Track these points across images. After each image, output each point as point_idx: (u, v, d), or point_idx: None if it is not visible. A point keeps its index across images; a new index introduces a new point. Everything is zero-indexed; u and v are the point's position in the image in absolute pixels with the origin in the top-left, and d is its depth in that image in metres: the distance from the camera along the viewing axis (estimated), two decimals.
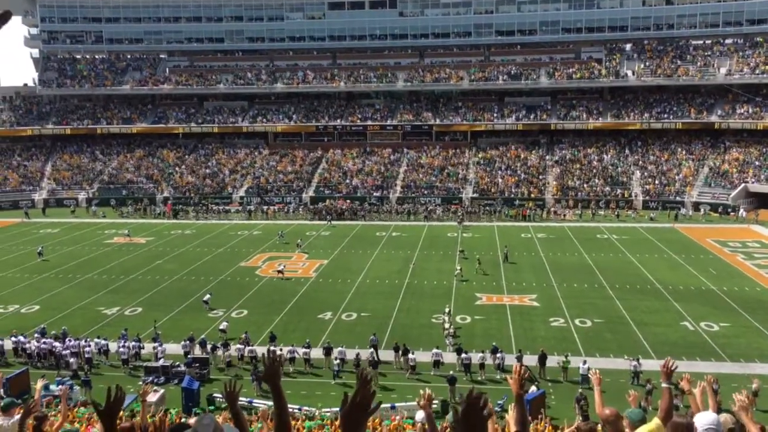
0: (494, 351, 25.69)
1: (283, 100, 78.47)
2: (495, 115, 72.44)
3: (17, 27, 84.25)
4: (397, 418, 19.81)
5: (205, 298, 33.44)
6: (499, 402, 22.40)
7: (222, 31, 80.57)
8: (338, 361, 25.54)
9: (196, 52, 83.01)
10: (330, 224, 54.93)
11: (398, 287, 36.61)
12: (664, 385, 5.56)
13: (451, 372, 24.54)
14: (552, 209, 58.95)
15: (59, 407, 20.78)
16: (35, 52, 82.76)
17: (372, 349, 26.36)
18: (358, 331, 29.43)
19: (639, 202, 60.64)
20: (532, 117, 71.50)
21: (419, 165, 68.71)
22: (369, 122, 74.05)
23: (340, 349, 26.23)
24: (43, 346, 26.89)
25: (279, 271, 39.00)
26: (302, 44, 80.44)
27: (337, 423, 19.62)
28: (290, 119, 75.56)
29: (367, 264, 41.81)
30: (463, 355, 25.43)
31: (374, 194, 64.14)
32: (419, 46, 78.95)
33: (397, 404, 22.22)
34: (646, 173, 64.48)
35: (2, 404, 8.68)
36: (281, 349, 26.20)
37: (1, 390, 22.87)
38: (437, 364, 25.40)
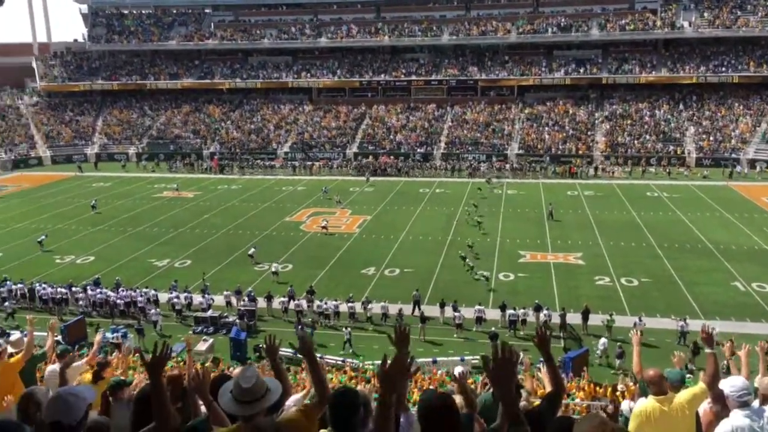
0: (537, 308, 25.61)
1: (327, 54, 77.92)
2: (543, 69, 70.56)
3: None
4: (439, 372, 20.05)
5: (250, 252, 34.10)
6: (541, 359, 22.43)
7: None
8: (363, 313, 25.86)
9: (240, 7, 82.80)
10: (368, 182, 54.72)
11: (441, 244, 36.59)
12: (707, 350, 5.44)
13: (494, 328, 24.62)
14: (600, 166, 57.62)
15: (114, 354, 21.69)
16: (84, 7, 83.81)
17: (414, 305, 26.64)
18: (401, 286, 29.65)
19: (692, 160, 58.71)
20: (581, 71, 69.39)
21: (464, 121, 67.76)
22: (413, 77, 73.08)
23: (382, 303, 26.57)
24: (99, 296, 27.94)
25: (323, 227, 39.38)
26: None
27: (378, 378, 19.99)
28: (334, 74, 75.13)
29: (410, 220, 41.83)
30: (510, 311, 25.45)
31: (418, 150, 63.71)
32: None
33: (438, 358, 22.48)
34: (700, 129, 62.23)
35: (58, 350, 9.08)
36: (325, 303, 26.69)
37: (60, 336, 24.02)
38: (480, 320, 25.51)
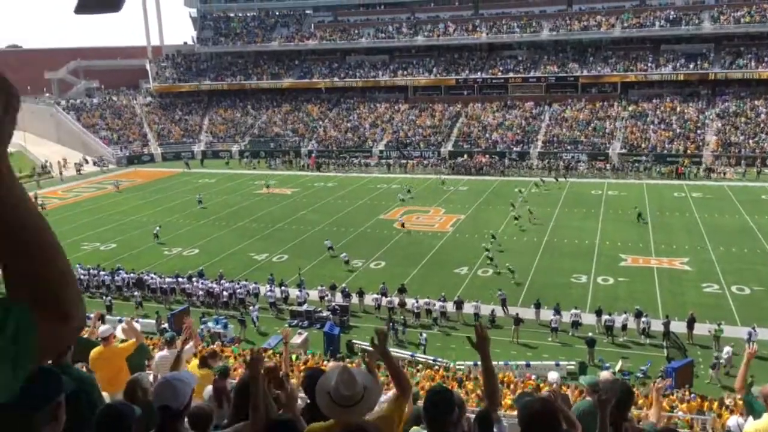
0: (638, 315, 24.54)
1: (423, 53, 77.97)
2: (649, 64, 67.41)
3: None
4: (532, 376, 19.61)
5: (329, 245, 35.18)
6: (642, 368, 21.53)
7: None
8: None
9: (339, 7, 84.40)
10: (443, 183, 52.75)
11: (536, 245, 35.77)
12: None
13: (590, 333, 23.82)
14: (710, 167, 54.38)
15: (216, 344, 22.67)
16: (193, 11, 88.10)
17: (502, 305, 26.27)
18: (495, 287, 29.21)
19: None
20: (691, 66, 65.75)
21: (563, 119, 65.88)
22: (510, 74, 71.80)
23: (474, 303, 26.32)
24: (201, 286, 29.30)
25: (401, 224, 39.71)
26: None
27: (473, 376, 19.78)
28: (430, 72, 75.08)
29: (505, 220, 41.16)
30: (605, 317, 24.54)
31: (514, 149, 62.57)
32: None
33: (532, 362, 22.00)
34: None
35: (167, 337, 9.58)
36: (417, 301, 26.73)
37: (166, 324, 25.38)
38: (576, 324, 24.73)
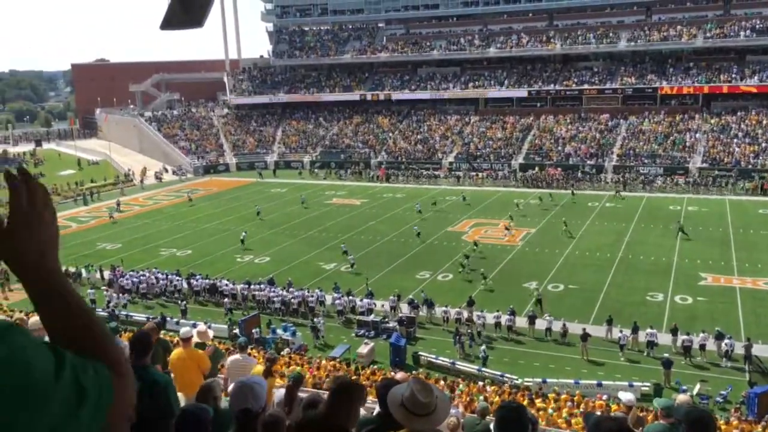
0: (718, 336, 23.39)
1: (495, 64, 77.39)
2: (733, 75, 64.56)
3: (256, 4, 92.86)
4: (604, 396, 19.00)
5: (344, 248, 36.76)
6: (722, 392, 20.52)
7: None
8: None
9: (411, 20, 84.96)
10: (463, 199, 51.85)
11: (610, 261, 34.73)
12: None
13: (666, 354, 22.87)
14: None
15: (285, 350, 23.04)
16: (270, 26, 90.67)
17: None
18: (566, 303, 28.56)
19: None
20: None
21: (640, 131, 63.86)
22: (585, 86, 70.25)
23: (547, 317, 25.80)
24: (270, 294, 29.90)
25: (473, 241, 39.19)
26: (517, 6, 78.34)
27: (542, 393, 19.33)
28: (501, 84, 74.42)
29: (577, 234, 40.19)
30: (684, 337, 23.52)
31: (588, 162, 61.09)
32: (646, 2, 72.70)
33: (604, 382, 21.31)
34: None
35: (239, 343, 9.83)
36: (484, 314, 26.41)
37: (237, 330, 26.01)
38: (651, 344, 23.81)
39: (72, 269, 34.19)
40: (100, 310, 28.96)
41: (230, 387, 4.69)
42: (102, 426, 1.06)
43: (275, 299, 29.49)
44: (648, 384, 21.09)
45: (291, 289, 30.03)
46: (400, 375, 8.99)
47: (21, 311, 25.09)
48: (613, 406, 16.29)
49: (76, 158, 78.45)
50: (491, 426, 7.27)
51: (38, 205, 1.14)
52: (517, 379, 21.50)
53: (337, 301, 28.47)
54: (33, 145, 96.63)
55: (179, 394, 5.71)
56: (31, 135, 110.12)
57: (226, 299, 29.85)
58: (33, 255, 1.12)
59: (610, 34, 71.22)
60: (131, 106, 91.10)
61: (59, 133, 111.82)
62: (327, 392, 4.02)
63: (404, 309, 28.05)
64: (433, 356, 23.96)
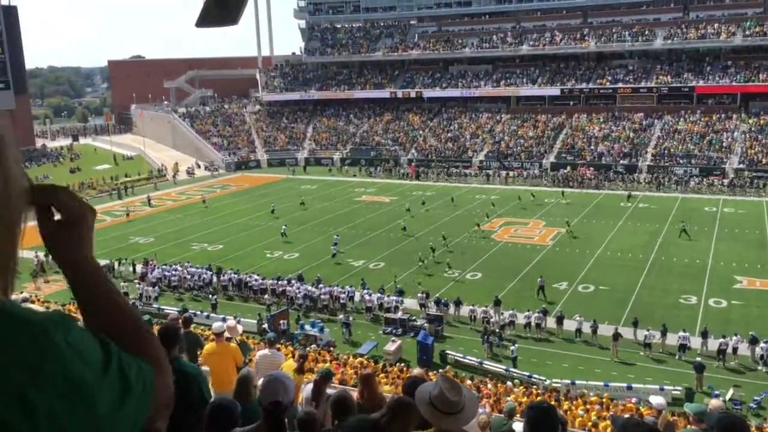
0: (753, 341, 22.91)
1: (528, 62, 76.69)
2: None
3: (289, 1, 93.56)
4: (634, 399, 18.75)
5: (336, 240, 37.77)
6: (756, 398, 20.10)
7: None
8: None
9: (444, 17, 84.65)
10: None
11: (642, 262, 34.21)
12: None
13: (699, 358, 22.46)
14: None
15: (312, 346, 23.20)
16: (302, 23, 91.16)
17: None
18: (596, 304, 28.22)
19: None
20: None
21: (675, 131, 62.71)
22: (620, 84, 69.20)
23: (577, 318, 25.55)
24: (301, 290, 30.09)
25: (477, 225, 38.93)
26: (551, 3, 77.53)
27: (572, 395, 19.15)
28: (534, 83, 73.73)
29: (608, 235, 39.66)
30: (720, 340, 23.09)
31: (621, 162, 60.20)
32: None
33: (634, 385, 21.03)
34: None
35: (268, 338, 9.93)
36: (502, 313, 26.27)
37: (266, 325, 26.25)
38: (683, 348, 23.41)
39: (104, 262, 34.89)
40: (132, 302, 29.51)
41: (259, 381, 4.76)
42: (144, 421, 1.07)
43: (299, 295, 29.67)
44: (679, 388, 20.75)
45: (320, 286, 30.19)
46: (417, 371, 8.99)
47: (56, 303, 25.71)
48: (644, 410, 16.06)
49: (112, 153, 79.94)
50: (519, 426, 7.22)
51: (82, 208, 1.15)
52: (545, 380, 21.32)
53: (367, 298, 28.55)
54: (70, 139, 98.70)
55: (212, 388, 5.79)
56: (69, 130, 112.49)
57: (266, 295, 30.04)
58: (82, 250, 1.13)
59: (646, 32, 70.02)
60: (165, 102, 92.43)
61: (95, 128, 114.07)
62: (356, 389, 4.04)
63: (432, 307, 28.01)
64: (461, 355, 23.89)
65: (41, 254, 36.49)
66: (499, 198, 51.12)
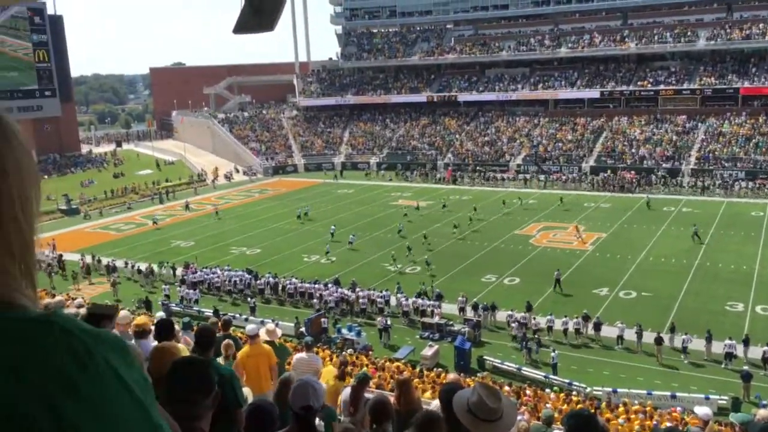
0: None
1: (566, 65, 75.76)
2: None
3: (326, 7, 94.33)
4: (678, 409, 18.29)
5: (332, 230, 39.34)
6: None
7: None
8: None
9: (480, 20, 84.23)
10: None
11: (686, 268, 33.39)
12: None
13: (746, 367, 21.79)
14: None
15: (349, 350, 23.24)
16: (339, 28, 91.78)
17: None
18: (637, 310, 27.63)
19: None
20: None
21: (719, 134, 61.15)
22: (661, 87, 67.82)
23: (619, 324, 25.10)
24: (336, 294, 30.19)
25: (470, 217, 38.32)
26: (590, 5, 76.42)
27: (614, 403, 18.77)
28: (573, 85, 72.79)
29: (651, 240, 38.84)
30: (765, 348, 22.39)
31: (663, 165, 58.94)
32: None
33: (678, 393, 20.51)
34: None
35: (305, 341, 9.97)
36: (535, 318, 25.96)
37: (303, 328, 26.40)
38: (729, 356, 22.75)
39: (143, 266, 35.65)
40: (173, 305, 30.01)
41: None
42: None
43: (329, 299, 29.76)
44: (726, 397, 20.16)
45: (357, 290, 30.24)
46: (452, 376, 8.90)
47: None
48: (689, 420, 15.64)
49: (154, 158, 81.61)
50: None
51: None
52: (585, 388, 20.95)
53: (403, 302, 28.50)
54: (114, 145, 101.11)
55: (247, 390, 5.83)
56: (112, 136, 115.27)
57: (315, 299, 30.14)
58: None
59: (688, 33, 68.53)
60: (205, 108, 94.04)
61: (138, 134, 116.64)
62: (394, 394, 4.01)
63: (469, 312, 27.83)
64: (499, 361, 23.64)
65: (87, 257, 37.50)
66: (537, 202, 50.49)
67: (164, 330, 5.79)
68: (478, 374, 21.77)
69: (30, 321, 0.89)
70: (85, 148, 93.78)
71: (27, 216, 0.96)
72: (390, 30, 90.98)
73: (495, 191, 57.26)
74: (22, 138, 0.98)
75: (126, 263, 36.91)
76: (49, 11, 77.95)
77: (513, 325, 26.15)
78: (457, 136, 73.72)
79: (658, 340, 23.36)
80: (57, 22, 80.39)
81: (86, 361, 0.87)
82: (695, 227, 38.97)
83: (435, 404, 5.80)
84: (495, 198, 53.46)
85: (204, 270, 34.70)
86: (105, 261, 37.12)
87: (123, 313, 7.01)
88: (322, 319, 27.32)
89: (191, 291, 31.93)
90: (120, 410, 0.89)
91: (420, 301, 28.67)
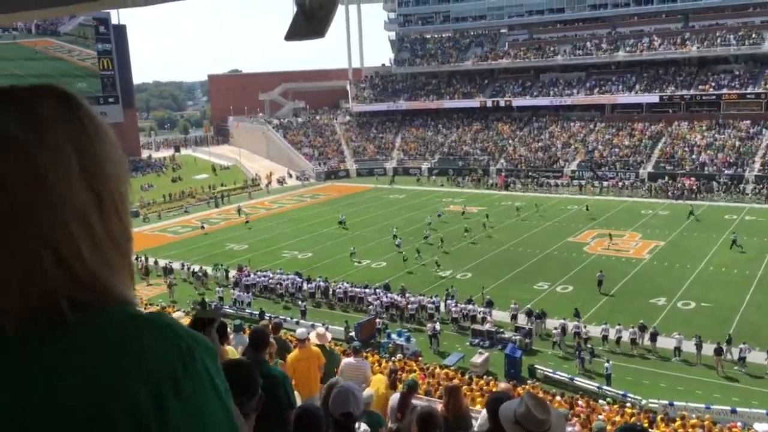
0: None
1: (624, 69, 74.08)
2: None
3: (379, 13, 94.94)
4: (738, 424, 17.61)
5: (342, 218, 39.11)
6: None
7: (563, 1, 79.09)
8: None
9: (535, 24, 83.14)
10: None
11: (749, 278, 32.14)
12: None
13: None
14: None
15: (398, 355, 23.23)
16: (392, 34, 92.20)
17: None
18: (696, 322, 26.74)
19: None
20: None
21: None
22: (724, 90, 65.57)
23: (677, 335, 24.36)
24: (385, 299, 30.24)
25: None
26: (649, 7, 74.55)
27: (670, 417, 18.20)
28: (630, 89, 71.09)
29: (711, 249, 37.55)
30: None
31: (725, 172, 56.92)
32: None
33: (738, 408, 19.73)
34: None
35: (353, 346, 10.03)
36: (585, 326, 25.44)
37: (353, 332, 26.54)
38: None
39: (196, 268, 36.51)
40: (227, 307, 30.63)
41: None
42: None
43: (374, 303, 29.79)
44: None
45: (407, 295, 30.22)
46: (503, 386, 8.80)
47: (157, 305, 27.09)
48: None
49: (210, 163, 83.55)
50: None
51: None
52: (640, 400, 20.38)
53: (453, 308, 28.34)
54: (172, 150, 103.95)
55: (296, 394, 5.91)
56: (171, 141, 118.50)
57: (370, 306, 30.09)
58: None
59: (753, 35, 66.10)
60: (260, 114, 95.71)
61: (195, 139, 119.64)
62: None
63: (521, 320, 27.48)
64: (551, 370, 23.23)
65: (143, 258, 38.65)
66: (592, 209, 49.47)
67: (218, 332, 5.90)
68: (528, 382, 21.45)
69: (148, 318, 0.93)
70: (145, 153, 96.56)
71: (125, 211, 0.99)
72: (443, 35, 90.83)
73: (549, 197, 56.35)
74: (114, 137, 1.02)
75: (182, 265, 37.92)
76: (113, 21, 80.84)
77: (555, 332, 25.72)
78: (510, 141, 72.96)
79: (718, 351, 22.63)
80: (120, 31, 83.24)
81: (188, 362, 0.90)
82: (735, 235, 37.99)
83: (483, 414, 5.76)
84: (549, 204, 52.57)
85: (257, 273, 35.30)
86: (162, 263, 38.21)
87: (177, 314, 7.21)
88: (377, 320, 27.44)
89: (244, 294, 32.51)
90: (211, 412, 0.92)
91: (470, 306, 28.47)
